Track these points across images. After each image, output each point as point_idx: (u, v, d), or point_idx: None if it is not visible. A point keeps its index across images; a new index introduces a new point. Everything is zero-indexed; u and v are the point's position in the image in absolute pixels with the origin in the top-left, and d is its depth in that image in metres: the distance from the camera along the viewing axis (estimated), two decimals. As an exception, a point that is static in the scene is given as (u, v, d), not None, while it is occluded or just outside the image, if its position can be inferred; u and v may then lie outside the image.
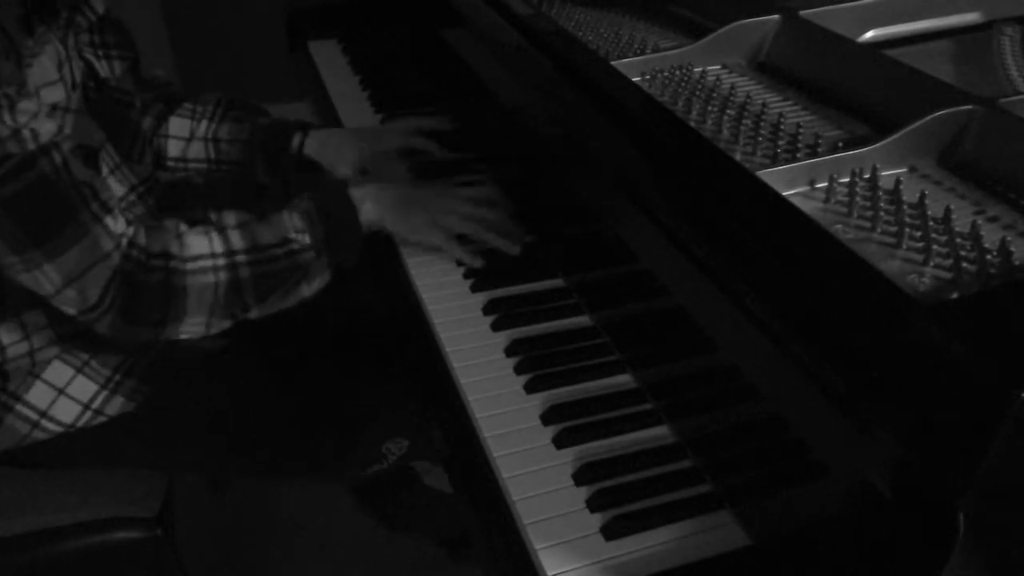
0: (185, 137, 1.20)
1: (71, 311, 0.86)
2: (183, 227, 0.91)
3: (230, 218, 0.94)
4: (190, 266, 0.89)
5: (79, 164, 0.84)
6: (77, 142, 0.87)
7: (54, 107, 0.85)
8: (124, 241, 0.86)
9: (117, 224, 0.86)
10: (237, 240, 0.92)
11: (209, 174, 1.22)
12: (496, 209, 1.07)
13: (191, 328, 0.92)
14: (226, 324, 0.94)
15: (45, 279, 0.83)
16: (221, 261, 0.90)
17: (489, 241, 1.04)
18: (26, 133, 0.78)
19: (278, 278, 0.93)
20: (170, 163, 1.20)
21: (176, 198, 1.16)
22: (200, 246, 0.90)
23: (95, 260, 0.83)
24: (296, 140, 1.20)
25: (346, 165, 1.20)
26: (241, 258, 0.91)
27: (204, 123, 1.20)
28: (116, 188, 1.01)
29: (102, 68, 1.03)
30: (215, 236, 0.91)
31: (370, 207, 1.00)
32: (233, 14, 2.53)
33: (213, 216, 0.94)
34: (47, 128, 0.81)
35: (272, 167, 1.20)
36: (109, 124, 1.00)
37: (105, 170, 1.00)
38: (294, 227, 0.94)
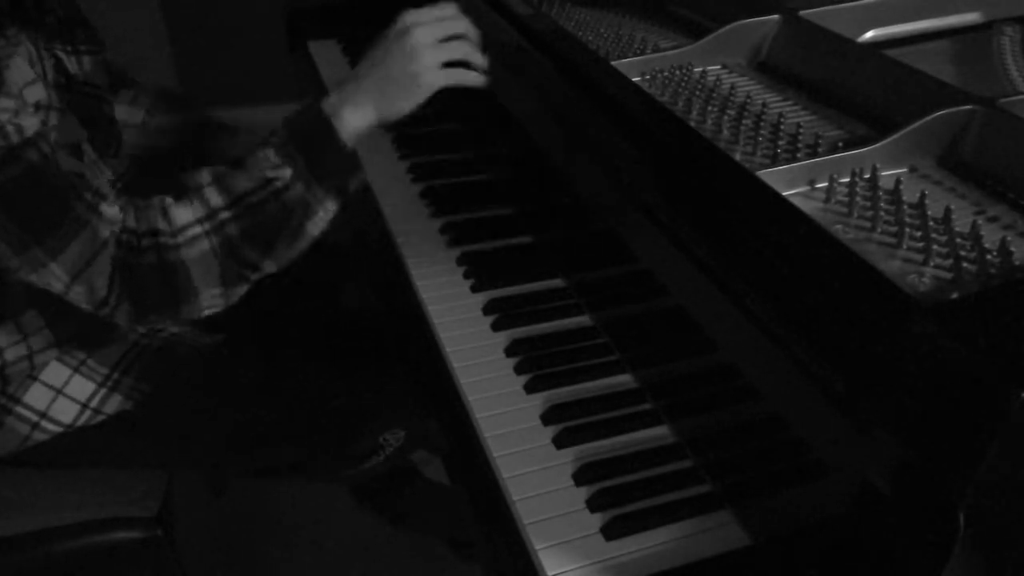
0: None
1: (86, 307, 0.84)
2: (168, 200, 0.86)
3: (204, 176, 0.87)
4: (180, 238, 0.84)
5: (66, 156, 0.82)
6: (62, 139, 0.85)
7: (37, 105, 0.83)
8: (116, 228, 0.83)
9: (112, 210, 0.83)
10: (215, 197, 0.85)
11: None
12: (461, 21, 0.94)
13: (210, 301, 0.87)
14: (243, 288, 0.88)
15: (53, 278, 0.82)
16: (207, 225, 0.85)
17: (473, 60, 0.92)
18: (10, 128, 0.77)
19: (272, 223, 0.86)
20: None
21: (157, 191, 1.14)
22: (184, 215, 0.85)
23: (96, 251, 0.81)
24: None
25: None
26: (225, 215, 0.85)
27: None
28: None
29: (71, 64, 1.00)
30: (195, 200, 0.86)
31: (349, 113, 0.87)
32: (233, 14, 2.53)
33: (188, 179, 0.88)
34: (31, 123, 0.79)
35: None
36: (83, 120, 0.97)
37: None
38: (271, 164, 0.86)
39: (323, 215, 0.88)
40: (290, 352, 1.13)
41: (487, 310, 0.99)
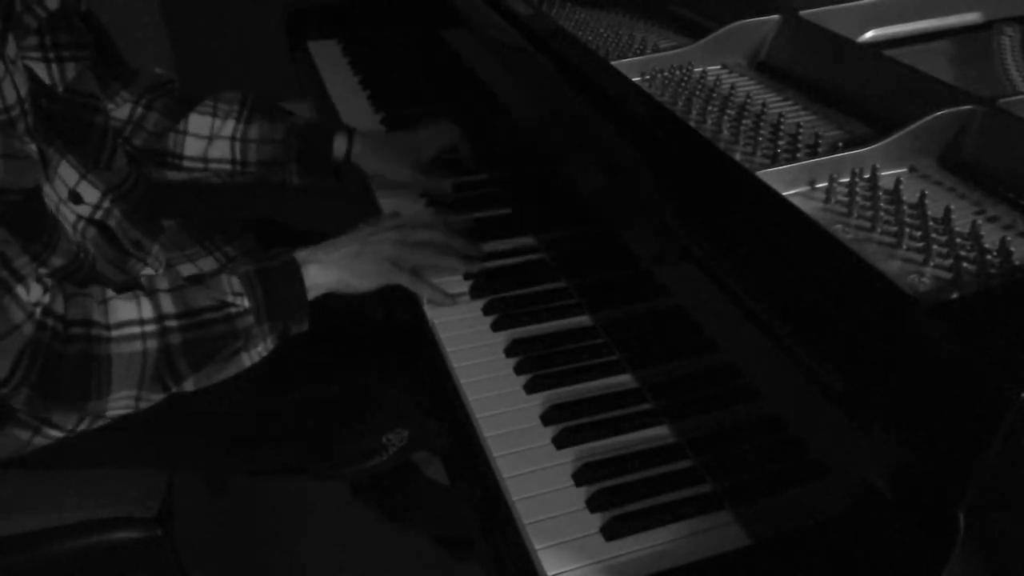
0: (206, 136, 1.15)
1: None
2: (109, 292, 0.85)
3: (162, 281, 0.88)
4: (115, 333, 0.82)
5: None
6: (7, 189, 0.80)
7: None
8: (38, 311, 0.79)
9: (31, 293, 0.79)
10: (168, 304, 0.85)
11: (232, 175, 1.18)
12: (450, 232, 1.02)
13: (117, 403, 0.85)
14: (157, 397, 0.88)
15: None
16: (150, 328, 0.84)
17: (451, 266, 1.01)
18: None
19: (214, 344, 0.87)
20: (187, 162, 1.16)
21: (171, 199, 1.13)
22: (127, 312, 0.84)
23: (4, 333, 0.77)
24: (341, 144, 1.16)
25: (397, 169, 1.17)
26: (172, 323, 0.85)
27: (230, 122, 1.15)
28: (88, 194, 0.96)
29: (49, 74, 0.94)
30: (144, 300, 0.85)
31: (316, 270, 0.92)
32: (233, 14, 2.53)
33: (144, 281, 0.89)
34: None
35: (309, 170, 1.16)
36: (69, 133, 0.94)
37: (75, 177, 0.95)
38: (232, 290, 0.88)
39: (260, 350, 0.92)
40: (292, 352, 1.13)
41: (487, 310, 0.99)
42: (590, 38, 1.09)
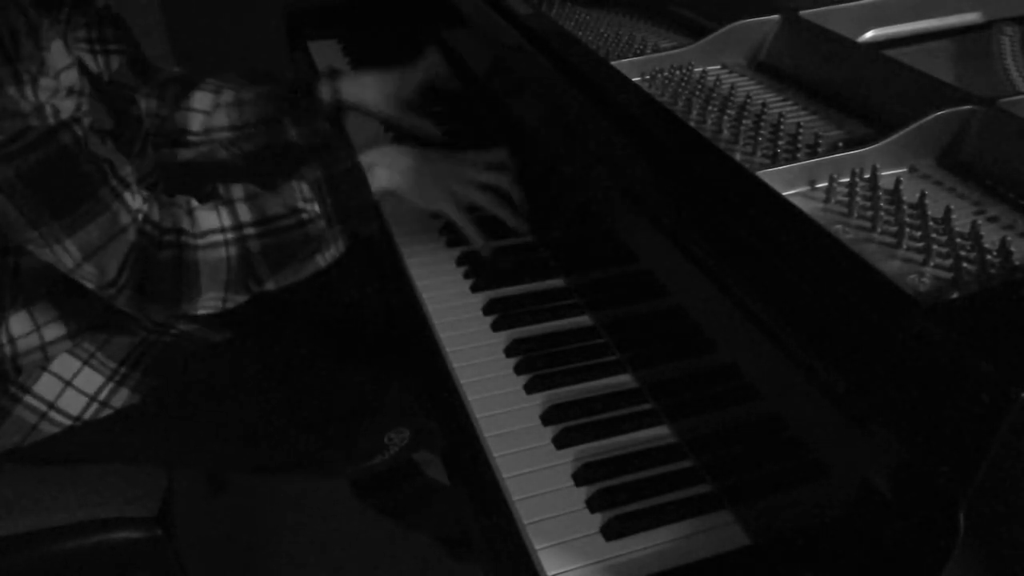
0: (207, 110, 1.19)
1: (91, 285, 0.87)
2: (194, 203, 0.91)
3: (238, 191, 0.93)
4: (201, 241, 0.88)
5: (97, 141, 0.84)
6: (92, 124, 0.87)
7: (71, 90, 0.86)
8: (140, 216, 0.86)
9: (135, 200, 0.86)
10: (245, 213, 0.91)
11: (233, 143, 1.21)
12: (507, 177, 1.05)
13: (208, 303, 0.91)
14: (242, 298, 0.93)
15: (65, 254, 0.83)
16: (231, 235, 0.89)
17: (499, 214, 1.03)
18: (48, 109, 0.79)
19: (290, 249, 0.92)
20: (192, 137, 1.20)
21: (191, 181, 1.15)
22: (210, 221, 0.89)
23: (113, 234, 0.84)
24: (327, 87, 1.20)
25: (386, 102, 1.21)
26: (250, 231, 0.90)
27: (228, 92, 1.20)
28: None
29: (96, 64, 1.03)
30: (223, 210, 0.90)
31: (382, 173, 0.98)
32: (233, 14, 2.53)
33: (221, 190, 0.93)
34: (67, 106, 0.81)
35: (302, 119, 1.20)
36: (111, 120, 1.00)
37: None
38: (303, 196, 0.93)
39: (333, 252, 0.96)
40: (295, 350, 1.13)
41: (487, 310, 0.99)
42: (590, 38, 1.09)
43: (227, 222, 0.90)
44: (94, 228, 0.83)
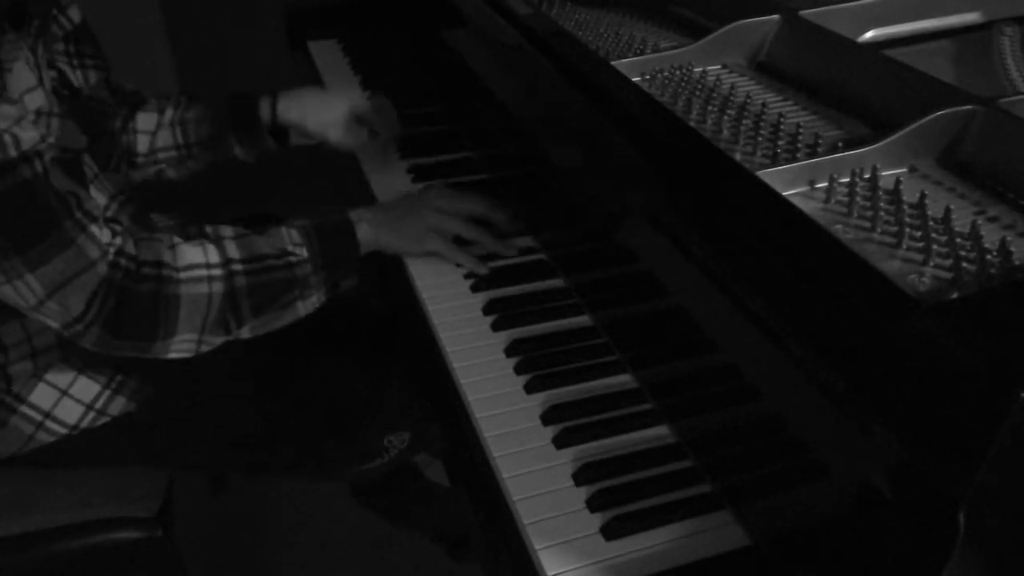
0: (151, 130, 1.19)
1: (55, 324, 0.84)
2: (176, 238, 0.89)
3: (227, 230, 0.93)
4: (183, 275, 0.87)
5: (61, 173, 0.82)
6: (62, 145, 0.85)
7: (38, 112, 0.84)
8: (111, 251, 0.84)
9: (103, 233, 0.84)
10: (234, 249, 0.90)
11: (180, 162, 1.21)
12: (494, 210, 1.07)
13: (181, 345, 0.89)
14: (218, 340, 0.92)
15: (27, 290, 0.80)
16: (217, 271, 0.89)
17: (487, 244, 1.05)
18: (7, 138, 0.76)
19: (275, 290, 0.92)
20: (140, 159, 1.19)
21: (154, 202, 1.15)
22: (194, 255, 0.88)
23: (79, 270, 0.81)
24: (266, 106, 1.19)
25: (330, 124, 1.19)
26: (238, 267, 0.90)
27: (169, 111, 1.19)
28: (97, 197, 0.99)
29: (76, 78, 1.02)
30: (210, 247, 0.90)
31: (366, 229, 0.99)
32: (233, 14, 2.53)
33: (209, 229, 0.93)
34: (29, 136, 0.78)
35: (245, 138, 1.19)
36: (86, 133, 0.97)
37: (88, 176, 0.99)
38: (291, 240, 0.94)
39: (314, 300, 0.96)
40: (294, 353, 1.13)
41: (487, 310, 0.99)
42: (590, 38, 1.09)
43: (214, 258, 0.89)
44: (59, 263, 0.80)
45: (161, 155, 1.20)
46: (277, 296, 0.92)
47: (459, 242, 1.06)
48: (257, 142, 1.20)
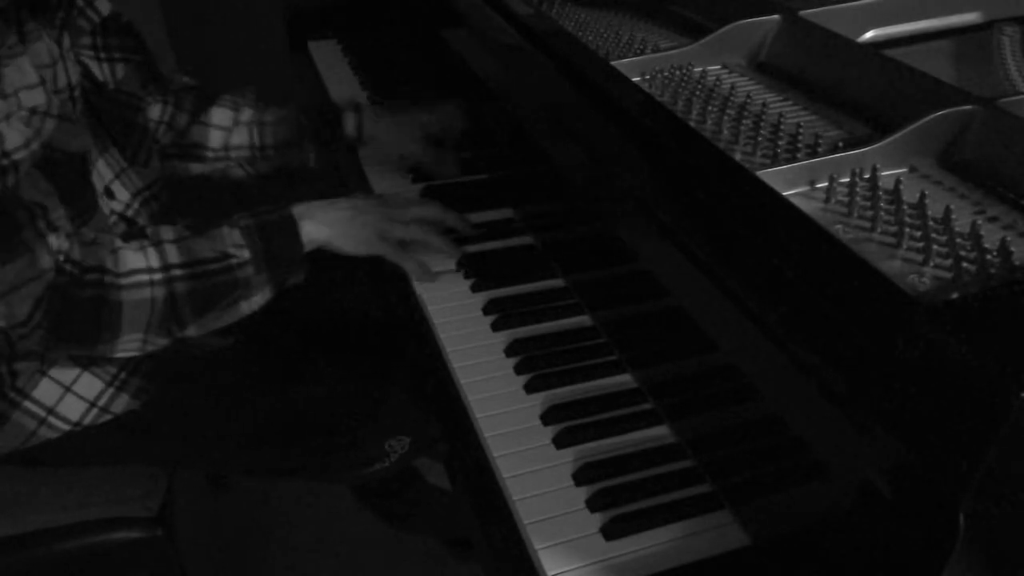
0: (227, 127, 1.19)
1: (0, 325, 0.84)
2: (118, 242, 0.89)
3: (167, 232, 0.91)
4: (124, 281, 0.86)
5: (39, 179, 0.82)
6: (54, 147, 0.85)
7: (33, 110, 0.84)
8: (60, 257, 0.84)
9: (59, 241, 0.84)
10: (174, 254, 0.89)
11: (251, 162, 1.21)
12: (434, 207, 1.05)
13: (128, 345, 0.89)
14: (163, 342, 0.91)
15: None
16: (157, 276, 0.88)
17: (432, 244, 1.03)
18: None
19: (216, 293, 0.91)
20: (210, 153, 1.20)
21: (204, 195, 1.15)
22: (135, 261, 0.88)
23: (31, 277, 0.82)
24: (351, 120, 1.21)
25: (410, 140, 1.22)
26: (177, 272, 0.89)
27: (248, 110, 1.20)
28: (120, 193, 1.01)
29: (101, 72, 1.02)
30: (151, 250, 0.89)
31: (311, 226, 0.97)
32: (233, 14, 2.53)
33: (149, 231, 0.92)
34: (13, 138, 0.79)
35: (323, 146, 1.20)
36: (113, 128, 0.99)
37: (110, 174, 1.00)
38: (233, 242, 0.92)
39: (259, 299, 0.94)
40: (295, 355, 1.13)
41: (487, 310, 0.99)
42: (590, 38, 1.09)
43: (155, 263, 0.88)
44: (11, 269, 0.80)
45: (234, 153, 1.20)
46: (218, 299, 0.91)
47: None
48: (333, 155, 1.22)
